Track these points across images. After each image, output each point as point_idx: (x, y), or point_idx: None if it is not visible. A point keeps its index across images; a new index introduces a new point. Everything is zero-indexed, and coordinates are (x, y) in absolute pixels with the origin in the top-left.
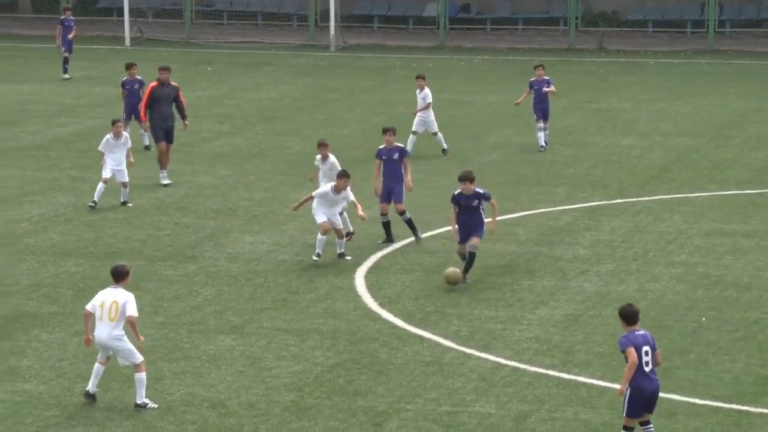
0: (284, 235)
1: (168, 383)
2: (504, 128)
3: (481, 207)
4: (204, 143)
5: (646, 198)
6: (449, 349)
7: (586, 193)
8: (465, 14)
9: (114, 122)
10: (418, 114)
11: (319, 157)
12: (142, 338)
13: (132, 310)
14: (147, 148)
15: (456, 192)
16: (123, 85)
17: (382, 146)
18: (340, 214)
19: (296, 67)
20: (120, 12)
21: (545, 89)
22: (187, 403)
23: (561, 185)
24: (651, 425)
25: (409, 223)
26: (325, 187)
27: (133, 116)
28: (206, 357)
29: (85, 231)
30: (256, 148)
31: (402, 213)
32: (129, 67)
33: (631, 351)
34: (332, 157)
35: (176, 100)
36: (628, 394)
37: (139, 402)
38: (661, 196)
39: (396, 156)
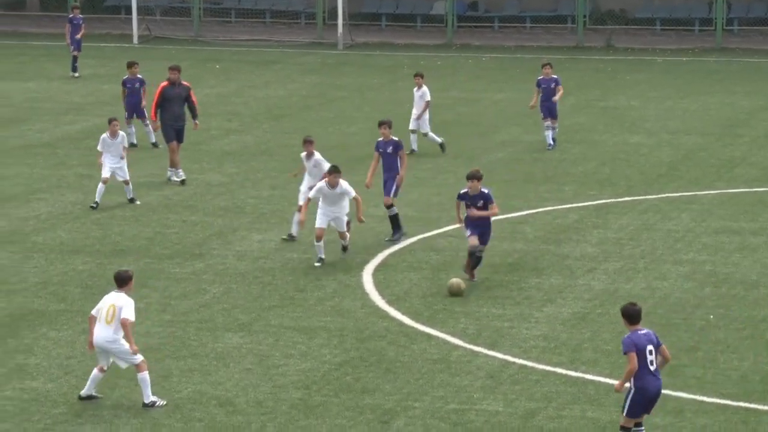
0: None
1: (175, 381)
2: (512, 126)
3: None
4: (212, 141)
5: (654, 196)
6: (457, 346)
7: (594, 191)
8: (473, 12)
9: (110, 121)
10: (415, 112)
11: (304, 154)
12: (135, 347)
13: (127, 314)
14: (155, 145)
15: (462, 191)
16: (124, 83)
17: (380, 139)
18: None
19: (304, 65)
20: (128, 10)
21: (555, 99)
22: (194, 400)
23: (569, 183)
24: (643, 427)
25: (393, 219)
26: (319, 183)
27: (135, 114)
28: (214, 355)
29: (92, 229)
30: (264, 145)
31: (389, 207)
32: (130, 65)
33: (633, 356)
34: (317, 155)
35: (188, 99)
36: (631, 394)
37: (146, 401)
38: (668, 194)
39: (390, 149)
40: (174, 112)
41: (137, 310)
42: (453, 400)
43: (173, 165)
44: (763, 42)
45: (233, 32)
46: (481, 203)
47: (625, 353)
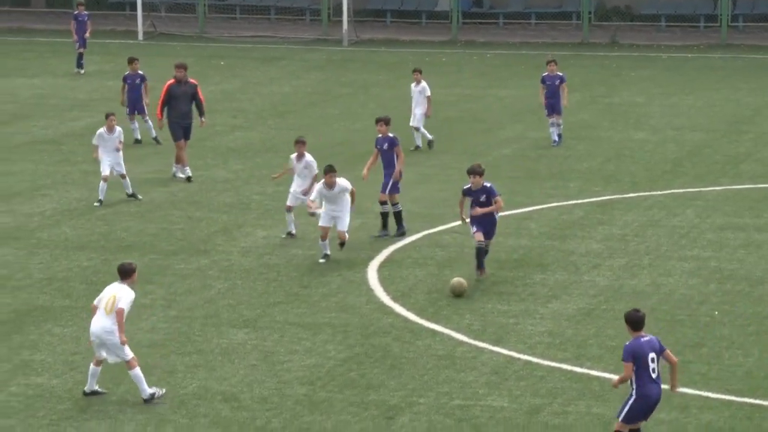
0: (297, 229)
1: (181, 377)
2: (517, 123)
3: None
4: (217, 137)
5: (659, 192)
6: (462, 342)
7: (599, 187)
8: (478, 9)
9: (108, 116)
10: (415, 109)
11: (294, 155)
12: (124, 337)
13: (122, 303)
14: (156, 140)
15: (465, 186)
16: (124, 79)
17: (379, 135)
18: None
19: (309, 61)
20: (133, 6)
21: (564, 104)
22: (199, 396)
23: (574, 179)
24: None
25: (383, 216)
26: (317, 186)
27: (135, 111)
28: (219, 350)
29: (97, 225)
30: (269, 142)
31: (383, 204)
32: (131, 61)
33: (628, 366)
34: (308, 156)
35: (195, 97)
36: (632, 400)
37: (145, 397)
38: (673, 191)
39: (386, 146)
40: (181, 110)
41: (142, 306)
42: (458, 396)
43: (179, 162)
44: None
45: (238, 29)
46: (484, 198)
47: (623, 360)
